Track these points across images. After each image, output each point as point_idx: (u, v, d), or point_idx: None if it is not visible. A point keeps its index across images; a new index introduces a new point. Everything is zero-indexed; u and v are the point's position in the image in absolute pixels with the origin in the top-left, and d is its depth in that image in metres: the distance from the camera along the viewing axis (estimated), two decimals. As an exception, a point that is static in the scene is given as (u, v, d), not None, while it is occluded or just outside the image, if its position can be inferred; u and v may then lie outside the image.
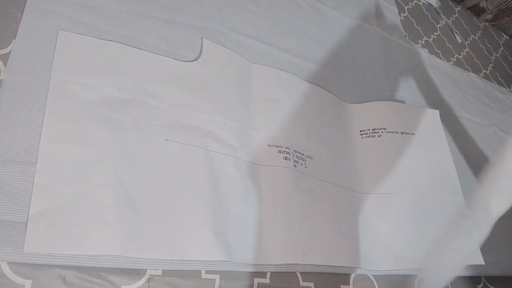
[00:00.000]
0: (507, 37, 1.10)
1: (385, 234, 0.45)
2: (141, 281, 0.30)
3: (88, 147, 0.32)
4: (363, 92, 0.59)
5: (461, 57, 0.86)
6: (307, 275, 0.38)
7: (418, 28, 0.80)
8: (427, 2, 0.88)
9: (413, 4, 0.83)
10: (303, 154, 0.45)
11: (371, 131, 0.52)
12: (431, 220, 0.49)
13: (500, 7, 1.04)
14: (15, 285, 0.26)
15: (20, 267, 0.27)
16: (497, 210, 0.39)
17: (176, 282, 0.31)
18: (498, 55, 1.00)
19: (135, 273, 0.30)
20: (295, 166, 0.43)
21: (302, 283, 0.37)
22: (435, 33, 0.83)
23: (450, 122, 0.68)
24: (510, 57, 1.04)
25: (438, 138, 0.58)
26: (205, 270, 0.33)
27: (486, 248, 0.54)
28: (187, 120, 0.38)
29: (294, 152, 0.44)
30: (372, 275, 0.42)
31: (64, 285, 0.28)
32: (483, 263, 0.49)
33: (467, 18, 0.99)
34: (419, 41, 0.77)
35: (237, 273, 0.34)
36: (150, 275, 0.31)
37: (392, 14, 0.76)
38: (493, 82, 0.89)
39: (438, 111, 0.61)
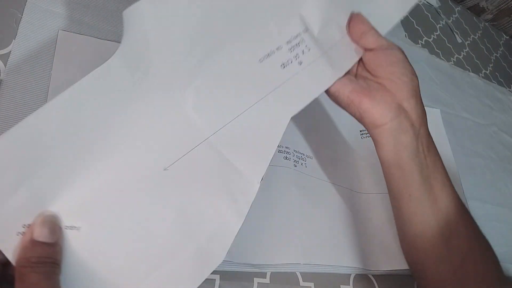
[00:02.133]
0: (507, 37, 1.10)
1: (385, 234, 0.45)
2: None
3: None
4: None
5: (461, 57, 0.86)
6: (307, 275, 0.38)
7: (418, 28, 0.80)
8: (427, 2, 0.88)
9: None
10: (303, 154, 0.45)
11: None
12: None
13: (500, 7, 1.04)
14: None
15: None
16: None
17: (176, 282, 0.31)
18: (498, 55, 1.00)
19: (135, 273, 0.30)
20: (295, 166, 0.43)
21: (302, 283, 0.37)
22: (435, 33, 0.83)
23: (450, 122, 0.68)
24: (510, 57, 1.04)
25: (439, 137, 0.58)
26: (205, 270, 0.33)
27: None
28: None
29: (294, 152, 0.44)
30: (372, 275, 0.42)
31: (64, 285, 0.28)
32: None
33: (467, 18, 0.99)
34: (419, 41, 0.77)
35: (237, 273, 0.34)
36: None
37: (392, 14, 0.76)
38: (493, 82, 0.89)
39: (439, 110, 0.61)
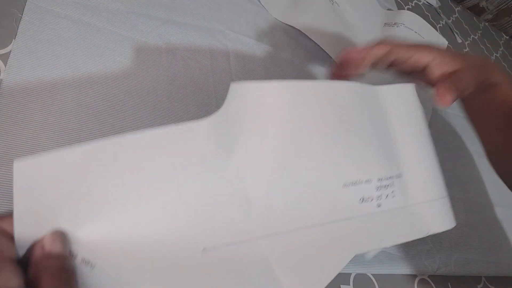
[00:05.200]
0: (507, 37, 1.10)
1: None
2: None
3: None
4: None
5: (461, 57, 0.86)
6: (307, 275, 0.38)
7: (418, 28, 0.80)
8: (427, 2, 0.88)
9: (413, 4, 0.83)
10: None
11: None
12: None
13: (500, 7, 1.04)
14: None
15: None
16: None
17: (176, 282, 0.31)
18: (498, 55, 1.00)
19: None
20: None
21: (302, 283, 0.37)
22: (435, 33, 0.83)
23: (450, 122, 0.68)
24: (510, 57, 1.04)
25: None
26: (205, 270, 0.33)
27: (486, 247, 0.54)
28: None
29: None
30: (372, 275, 0.42)
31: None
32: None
33: (467, 18, 0.99)
34: (419, 41, 0.77)
35: (237, 273, 0.34)
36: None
37: (392, 14, 0.76)
38: (493, 82, 0.90)
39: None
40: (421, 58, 0.35)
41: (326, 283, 0.25)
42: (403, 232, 0.29)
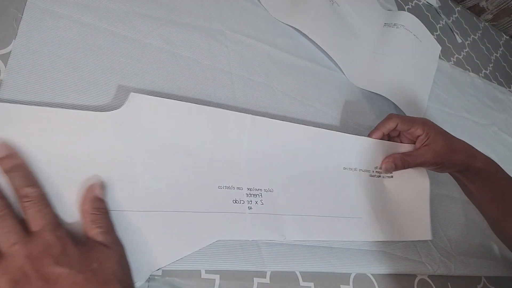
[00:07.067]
0: (507, 37, 1.10)
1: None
2: (141, 281, 0.30)
3: None
4: (363, 91, 0.59)
5: (461, 57, 0.86)
6: (307, 275, 0.38)
7: (418, 28, 0.80)
8: (427, 2, 0.88)
9: (413, 4, 0.83)
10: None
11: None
12: None
13: (500, 7, 1.04)
14: None
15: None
16: None
17: (176, 282, 0.31)
18: (498, 55, 1.00)
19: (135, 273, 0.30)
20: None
21: (302, 283, 0.37)
22: (435, 33, 0.83)
23: (450, 122, 0.68)
24: (510, 57, 1.04)
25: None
26: (205, 270, 0.33)
27: (486, 247, 0.54)
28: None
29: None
30: (372, 275, 0.42)
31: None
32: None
33: (467, 18, 0.99)
34: (419, 41, 0.77)
35: (237, 273, 0.34)
36: (150, 275, 0.31)
37: (392, 14, 0.76)
38: (493, 82, 0.90)
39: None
40: (415, 132, 0.49)
41: (184, 255, 0.32)
42: (265, 231, 0.37)
